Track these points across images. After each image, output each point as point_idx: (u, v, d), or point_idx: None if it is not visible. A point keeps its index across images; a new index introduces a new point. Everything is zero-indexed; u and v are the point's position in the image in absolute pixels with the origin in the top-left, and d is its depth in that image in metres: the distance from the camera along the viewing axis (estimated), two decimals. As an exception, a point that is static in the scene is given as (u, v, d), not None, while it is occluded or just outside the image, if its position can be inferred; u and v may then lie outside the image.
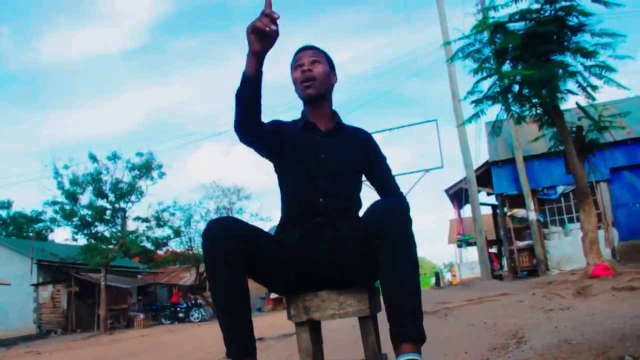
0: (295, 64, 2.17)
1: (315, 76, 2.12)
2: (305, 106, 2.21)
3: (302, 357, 1.94)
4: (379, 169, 2.25)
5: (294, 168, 2.12)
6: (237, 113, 1.87)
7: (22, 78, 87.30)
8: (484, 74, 8.43)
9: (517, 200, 15.90)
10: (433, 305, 8.97)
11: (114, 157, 25.08)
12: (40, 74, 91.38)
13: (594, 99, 8.58)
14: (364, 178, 2.26)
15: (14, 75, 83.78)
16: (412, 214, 2.11)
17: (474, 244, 18.67)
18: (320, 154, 2.11)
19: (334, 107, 2.27)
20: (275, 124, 2.17)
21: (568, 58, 8.50)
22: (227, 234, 1.75)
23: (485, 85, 8.71)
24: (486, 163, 17.07)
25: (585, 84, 8.40)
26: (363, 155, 2.19)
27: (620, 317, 4.37)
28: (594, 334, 3.92)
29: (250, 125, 1.90)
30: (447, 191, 20.49)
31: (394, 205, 1.81)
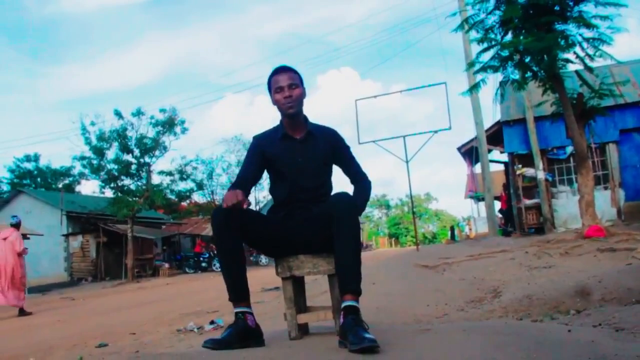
0: (275, 87, 2.78)
1: (295, 99, 2.77)
2: (284, 119, 2.86)
3: (287, 302, 2.67)
4: (344, 159, 2.94)
5: (279, 172, 2.83)
6: None
7: (43, 30, 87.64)
8: (486, 45, 8.79)
9: (528, 159, 16.16)
10: (436, 260, 9.57)
11: (138, 114, 25.90)
12: (60, 25, 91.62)
13: (592, 69, 8.90)
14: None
15: (35, 27, 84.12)
16: (373, 190, 2.90)
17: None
18: (298, 158, 2.80)
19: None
20: (258, 150, 2.85)
21: (570, 28, 8.81)
22: (227, 217, 2.49)
23: (488, 54, 9.07)
24: (498, 122, 17.32)
25: (582, 55, 8.72)
26: (330, 151, 2.88)
27: (584, 276, 4.95)
28: (554, 291, 4.54)
29: None
30: (459, 149, 20.83)
31: (343, 198, 2.51)
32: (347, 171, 2.96)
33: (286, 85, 2.75)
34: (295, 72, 2.84)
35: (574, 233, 10.66)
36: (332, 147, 2.88)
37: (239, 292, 2.56)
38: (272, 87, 2.80)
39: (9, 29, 75.96)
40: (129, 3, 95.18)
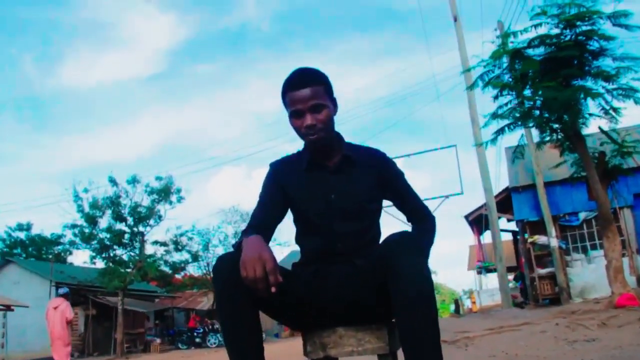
0: (292, 109, 1.95)
1: (320, 127, 1.92)
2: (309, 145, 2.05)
3: None
4: (397, 190, 2.12)
5: (306, 215, 2.03)
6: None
7: (43, 102, 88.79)
8: (505, 98, 8.39)
9: (538, 227, 15.68)
10: (452, 334, 8.79)
11: (134, 181, 25.40)
12: (61, 99, 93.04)
13: (617, 121, 8.47)
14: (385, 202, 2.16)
15: (36, 99, 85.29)
16: (437, 235, 2.07)
17: (494, 270, 18.40)
18: (331, 194, 1.98)
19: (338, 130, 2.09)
20: (275, 183, 2.07)
21: (589, 82, 8.42)
22: (235, 269, 1.62)
23: (506, 109, 8.65)
24: (506, 189, 16.92)
25: (607, 107, 8.30)
26: (377, 182, 2.04)
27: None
28: (623, 368, 3.79)
29: None
30: (466, 217, 20.30)
31: (403, 238, 1.70)
32: (402, 206, 2.13)
33: (307, 109, 1.90)
34: (318, 83, 1.94)
35: (596, 303, 10.01)
36: (379, 176, 2.03)
37: None
38: (289, 106, 1.96)
39: (10, 101, 76.87)
40: (129, 78, 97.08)
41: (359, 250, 1.94)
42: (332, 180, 2.00)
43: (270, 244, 1.92)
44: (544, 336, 6.88)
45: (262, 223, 1.97)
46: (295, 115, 1.93)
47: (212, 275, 1.77)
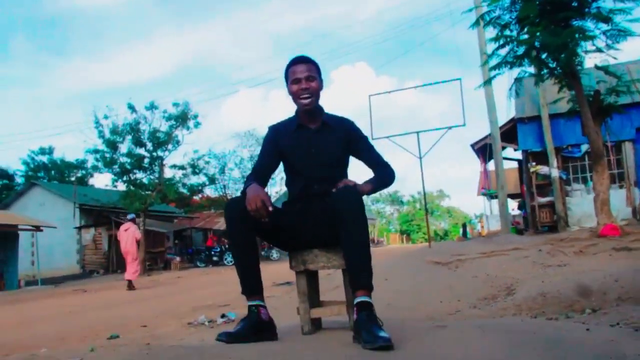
0: (292, 78, 2.72)
1: (312, 92, 2.71)
2: (299, 110, 2.81)
3: (300, 296, 2.65)
4: (361, 149, 2.84)
5: (293, 163, 2.78)
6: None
7: (58, 23, 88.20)
8: (502, 42, 8.70)
9: (542, 157, 16.03)
10: (448, 257, 9.50)
11: (152, 107, 25.98)
12: (74, 19, 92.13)
13: (614, 58, 8.77)
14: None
15: (50, 19, 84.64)
16: (397, 179, 2.83)
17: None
18: (311, 149, 2.75)
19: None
20: (272, 141, 2.83)
21: (588, 23, 8.69)
22: (240, 211, 2.43)
23: (504, 50, 8.98)
24: (513, 119, 17.19)
25: (603, 47, 8.60)
26: (345, 142, 2.80)
27: (600, 275, 4.88)
28: (569, 289, 4.47)
29: None
30: (472, 146, 20.68)
31: (345, 190, 2.43)
32: (367, 162, 2.86)
33: (303, 77, 2.69)
34: (313, 63, 2.78)
35: (588, 232, 10.56)
36: (347, 138, 2.81)
37: (252, 285, 2.53)
38: (289, 77, 2.74)
39: (23, 24, 76.45)
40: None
41: (329, 190, 2.65)
42: (313, 139, 2.80)
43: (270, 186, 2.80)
44: (525, 261, 7.54)
45: (260, 172, 2.80)
46: (294, 82, 2.74)
47: (224, 213, 2.57)
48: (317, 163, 2.73)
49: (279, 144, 2.79)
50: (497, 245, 11.27)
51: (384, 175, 2.80)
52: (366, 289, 2.32)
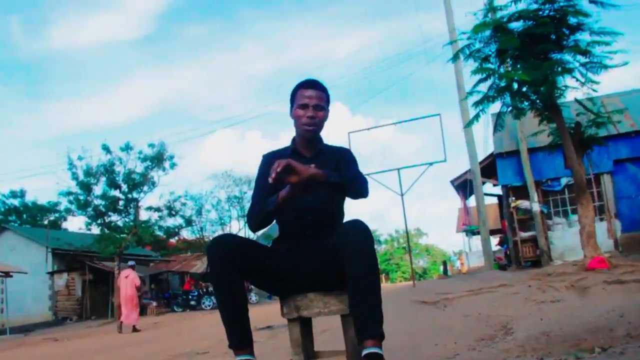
0: (299, 102, 2.50)
1: (317, 122, 2.51)
2: (298, 136, 2.59)
3: (293, 347, 2.34)
4: (343, 166, 2.55)
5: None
6: (258, 224, 2.45)
7: (33, 66, 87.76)
8: (484, 75, 8.67)
9: (522, 192, 16.09)
10: (434, 296, 9.27)
11: (127, 148, 25.57)
12: (50, 62, 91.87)
13: (593, 90, 8.79)
14: None
15: (25, 63, 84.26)
16: (375, 215, 2.49)
17: (479, 233, 18.92)
18: None
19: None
20: (267, 168, 2.45)
21: (566, 56, 8.72)
22: (225, 249, 2.17)
23: (486, 85, 8.95)
24: (491, 155, 17.28)
25: (582, 80, 8.63)
26: (337, 169, 2.52)
27: (600, 310, 4.68)
28: (572, 326, 4.24)
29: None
30: (452, 182, 20.71)
31: (356, 224, 2.16)
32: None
33: (312, 105, 2.49)
34: (325, 91, 2.57)
35: (572, 265, 10.45)
36: (338, 164, 2.57)
37: (240, 337, 2.22)
38: (297, 100, 2.53)
39: (-2, 66, 75.96)
40: (119, 40, 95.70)
41: (324, 222, 2.42)
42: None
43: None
44: (515, 297, 7.33)
45: (261, 201, 2.47)
46: (301, 107, 2.50)
47: (207, 253, 2.25)
48: (312, 192, 2.42)
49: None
50: (482, 282, 11.11)
51: (354, 176, 2.46)
52: (377, 338, 2.03)
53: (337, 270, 2.18)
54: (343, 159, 2.62)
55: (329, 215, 2.47)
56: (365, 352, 2.00)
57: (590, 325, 4.12)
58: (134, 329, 14.31)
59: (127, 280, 14.92)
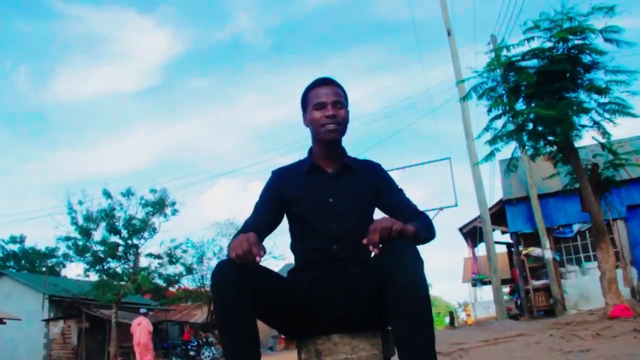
0: (315, 102, 2.09)
1: (340, 122, 2.07)
2: (316, 146, 2.15)
3: None
4: (390, 196, 2.13)
5: (304, 216, 2.07)
6: None
7: (37, 116, 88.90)
8: (499, 111, 8.40)
9: (532, 239, 15.70)
10: (447, 346, 8.75)
11: (128, 194, 25.31)
12: (54, 112, 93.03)
13: (609, 135, 8.49)
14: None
15: (30, 113, 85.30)
16: (432, 247, 2.06)
17: (489, 283, 18.39)
18: (329, 198, 2.06)
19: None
20: (274, 188, 2.15)
21: (582, 95, 8.47)
22: (235, 274, 1.68)
23: (499, 123, 8.67)
24: (500, 201, 16.94)
25: (599, 119, 8.35)
26: (373, 190, 2.12)
27: (641, 361, 4.23)
28: (616, 378, 3.79)
29: None
30: (461, 230, 20.29)
31: (403, 246, 1.70)
32: (395, 209, 2.07)
33: (330, 102, 2.05)
34: (341, 88, 2.15)
35: (589, 314, 9.99)
36: (376, 184, 2.12)
37: None
38: (311, 102, 2.10)
39: (3, 114, 76.86)
40: (124, 91, 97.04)
41: (353, 253, 1.97)
42: (330, 184, 2.08)
43: (265, 257, 1.98)
44: (538, 347, 6.86)
45: (254, 225, 2.01)
46: (317, 107, 2.07)
47: (210, 282, 1.75)
48: (336, 216, 2.02)
49: (284, 193, 2.10)
50: (496, 332, 10.61)
51: (425, 222, 1.98)
52: None
53: (370, 305, 1.77)
54: (382, 179, 2.16)
55: (358, 245, 1.94)
56: None
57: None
58: None
59: (141, 327, 15.50)
